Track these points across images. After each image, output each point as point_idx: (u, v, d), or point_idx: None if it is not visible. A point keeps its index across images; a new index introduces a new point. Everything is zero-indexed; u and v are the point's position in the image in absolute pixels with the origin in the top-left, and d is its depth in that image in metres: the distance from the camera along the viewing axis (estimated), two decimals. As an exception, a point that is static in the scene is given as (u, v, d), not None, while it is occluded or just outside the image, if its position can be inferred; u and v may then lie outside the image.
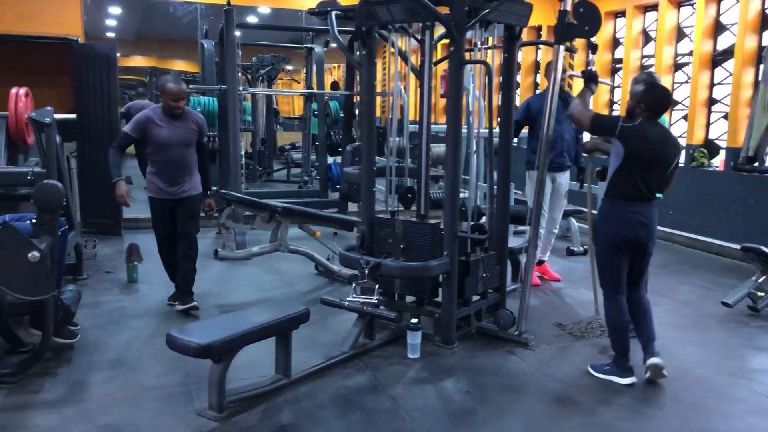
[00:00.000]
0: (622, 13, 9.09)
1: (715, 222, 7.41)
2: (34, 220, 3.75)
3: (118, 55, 19.76)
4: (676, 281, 6.11)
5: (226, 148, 7.74)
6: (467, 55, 4.48)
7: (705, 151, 7.83)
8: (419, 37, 4.60)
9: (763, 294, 5.07)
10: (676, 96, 8.36)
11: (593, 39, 4.09)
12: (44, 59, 8.20)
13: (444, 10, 4.11)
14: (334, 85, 14.46)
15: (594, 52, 4.07)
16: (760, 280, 5.12)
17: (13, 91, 5.11)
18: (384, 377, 3.81)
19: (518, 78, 11.01)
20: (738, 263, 6.72)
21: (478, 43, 4.44)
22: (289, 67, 15.07)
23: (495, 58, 4.78)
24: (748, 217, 7.04)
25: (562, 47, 4.11)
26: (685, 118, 8.22)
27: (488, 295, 4.67)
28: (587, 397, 3.64)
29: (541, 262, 5.97)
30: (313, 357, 3.98)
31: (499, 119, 4.67)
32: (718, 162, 7.79)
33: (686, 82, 8.31)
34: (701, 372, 4.02)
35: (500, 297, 4.72)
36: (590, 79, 4.05)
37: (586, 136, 5.20)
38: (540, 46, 10.36)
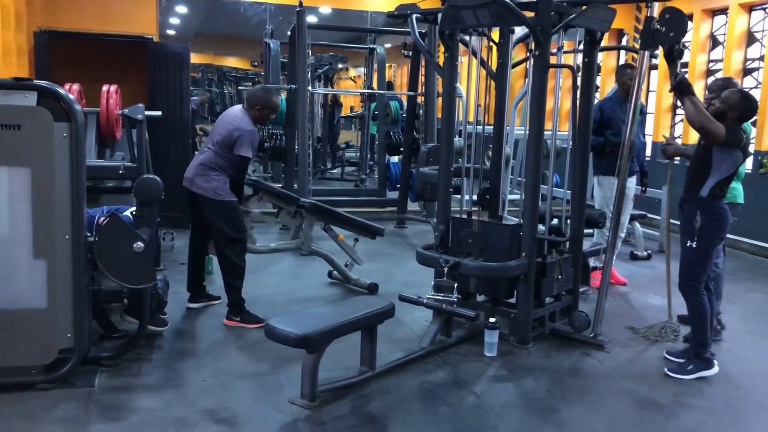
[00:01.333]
0: (689, 17, 8.98)
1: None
2: (133, 212, 3.94)
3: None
4: (745, 289, 6.05)
5: (292, 147, 7.94)
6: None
7: (774, 158, 7.71)
8: (497, 41, 4.68)
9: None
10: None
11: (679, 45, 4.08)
12: (119, 56, 8.49)
13: (528, 14, 4.18)
14: (388, 86, 14.56)
15: (680, 57, 4.05)
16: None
17: (105, 88, 5.35)
18: (464, 374, 3.89)
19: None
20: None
21: (563, 47, 4.48)
22: (340, 65, 15.23)
23: (575, 63, 4.81)
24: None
25: (647, 53, 4.13)
26: (753, 123, 8.08)
27: (561, 297, 4.71)
28: (667, 399, 3.67)
29: None
30: (390, 351, 4.09)
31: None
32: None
33: (756, 87, 8.19)
34: (782, 380, 4.01)
35: (573, 299, 4.77)
36: (683, 90, 3.88)
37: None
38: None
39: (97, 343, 4.05)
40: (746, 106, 3.86)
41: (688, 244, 3.97)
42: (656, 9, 4.05)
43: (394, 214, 8.45)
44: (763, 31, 8.11)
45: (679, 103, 3.93)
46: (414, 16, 4.92)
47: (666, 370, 4.00)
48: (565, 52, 4.75)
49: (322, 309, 3.71)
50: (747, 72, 8.37)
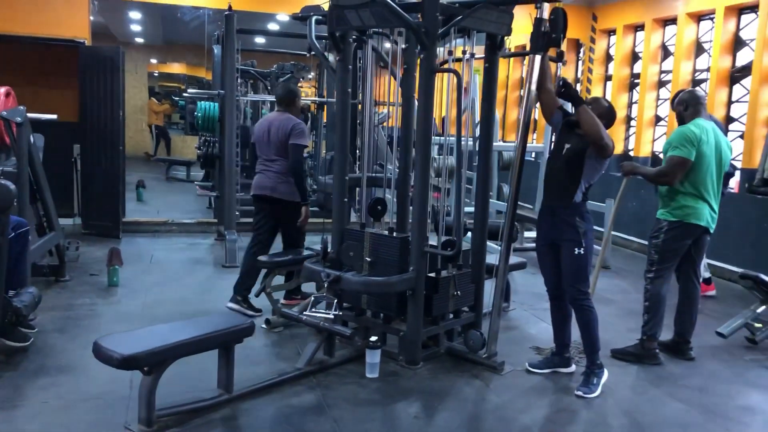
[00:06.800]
0: (642, 27, 8.79)
1: (727, 247, 7.03)
2: None
3: (154, 61, 19.59)
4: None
5: (224, 154, 7.69)
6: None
7: (720, 171, 7.46)
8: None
9: (761, 325, 4.75)
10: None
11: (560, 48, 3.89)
12: (50, 60, 8.28)
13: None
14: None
15: (558, 60, 3.90)
16: (759, 311, 4.80)
17: (-8, 91, 5.10)
18: (334, 397, 3.62)
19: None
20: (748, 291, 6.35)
21: (453, 52, 4.26)
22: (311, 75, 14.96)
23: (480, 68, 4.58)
24: (762, 242, 6.66)
25: (538, 57, 3.89)
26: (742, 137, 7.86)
27: (462, 314, 4.45)
28: (544, 427, 3.41)
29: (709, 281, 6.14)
30: (270, 373, 3.84)
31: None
32: (733, 183, 7.42)
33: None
34: (676, 407, 3.74)
35: (476, 317, 4.50)
36: (569, 95, 3.80)
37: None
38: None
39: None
40: (612, 116, 3.97)
41: (576, 252, 3.87)
42: (546, 10, 3.82)
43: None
44: (710, 41, 7.89)
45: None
46: (314, 17, 4.69)
47: (576, 391, 3.80)
48: (477, 58, 4.53)
49: (168, 326, 3.44)
50: (696, 83, 8.15)
